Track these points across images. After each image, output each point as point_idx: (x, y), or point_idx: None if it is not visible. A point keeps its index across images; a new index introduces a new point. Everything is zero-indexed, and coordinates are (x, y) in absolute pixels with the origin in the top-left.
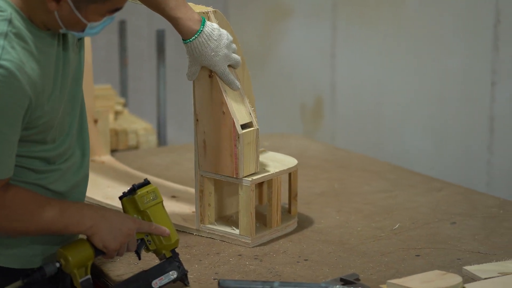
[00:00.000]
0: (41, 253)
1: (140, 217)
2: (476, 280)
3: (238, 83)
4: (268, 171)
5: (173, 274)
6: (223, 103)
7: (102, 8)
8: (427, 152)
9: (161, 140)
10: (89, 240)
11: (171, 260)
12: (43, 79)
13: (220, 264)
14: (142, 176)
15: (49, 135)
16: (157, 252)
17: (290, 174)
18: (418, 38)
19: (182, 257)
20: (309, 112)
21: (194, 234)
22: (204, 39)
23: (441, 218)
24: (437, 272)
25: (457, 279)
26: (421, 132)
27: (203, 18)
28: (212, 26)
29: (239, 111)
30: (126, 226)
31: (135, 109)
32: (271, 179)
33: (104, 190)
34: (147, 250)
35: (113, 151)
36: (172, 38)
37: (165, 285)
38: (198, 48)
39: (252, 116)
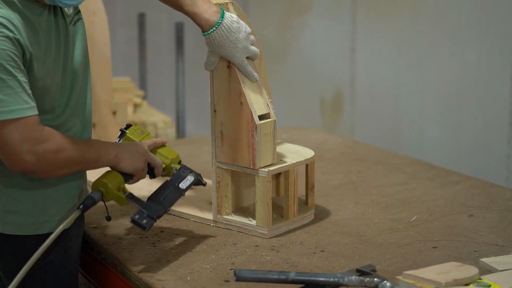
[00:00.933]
0: (52, 218)
1: None
2: (492, 272)
3: (256, 75)
4: (285, 162)
5: (190, 178)
6: (241, 94)
7: None
8: (446, 146)
9: (180, 132)
10: (118, 171)
11: (182, 169)
12: (33, 42)
13: (236, 255)
14: None
15: (47, 103)
16: (168, 171)
17: (307, 166)
18: (437, 31)
19: (199, 248)
20: (328, 106)
21: (211, 225)
22: (223, 31)
23: (458, 211)
24: (453, 263)
25: (473, 270)
26: (440, 127)
27: (222, 10)
28: (231, 18)
29: (257, 102)
30: (140, 147)
31: (154, 102)
32: (288, 170)
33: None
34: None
35: None
36: (191, 31)
37: (189, 187)
38: (217, 39)
39: (270, 107)
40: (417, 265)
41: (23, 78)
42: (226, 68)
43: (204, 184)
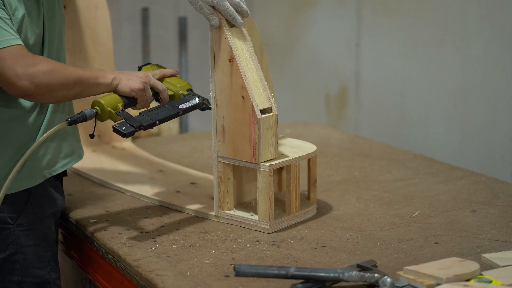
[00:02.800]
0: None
1: None
2: (494, 268)
3: (239, 19)
4: (287, 157)
5: (194, 100)
6: (243, 88)
7: None
8: (451, 142)
9: (183, 127)
10: (118, 94)
11: (190, 95)
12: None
13: (237, 250)
14: (161, 162)
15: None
16: (176, 97)
17: (309, 160)
18: (442, 27)
19: (199, 243)
20: (333, 102)
21: (213, 220)
22: None
23: (461, 206)
24: (454, 259)
25: (474, 266)
26: (445, 123)
27: None
28: None
29: (259, 96)
30: (140, 73)
31: None
32: (290, 165)
33: (124, 177)
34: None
35: (135, 138)
36: (195, 25)
37: (190, 108)
38: None
39: (272, 101)
40: (418, 261)
41: (5, 16)
42: (228, 62)
43: (210, 108)
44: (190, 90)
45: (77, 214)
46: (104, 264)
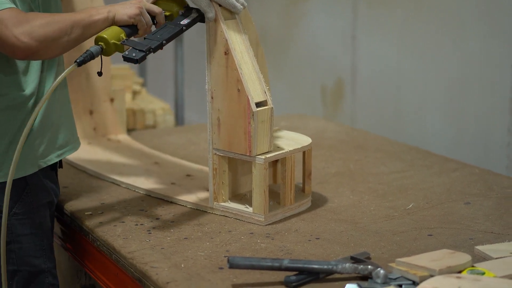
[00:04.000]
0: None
1: None
2: (487, 260)
3: (239, 5)
4: (282, 149)
5: (194, 14)
6: (238, 81)
7: None
8: (447, 135)
9: (179, 120)
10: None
11: (187, 10)
12: None
13: (231, 242)
14: (156, 154)
15: None
16: (174, 16)
17: (304, 153)
18: (439, 20)
19: (194, 235)
20: (329, 94)
21: (208, 212)
22: None
23: (455, 198)
24: (445, 251)
25: (466, 257)
26: (441, 115)
27: None
28: None
29: (254, 89)
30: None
31: (153, 89)
32: (285, 158)
33: (119, 169)
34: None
35: (130, 131)
36: None
37: (192, 22)
38: None
39: (267, 94)
40: (412, 253)
41: None
42: (224, 55)
43: (204, 20)
44: (186, 6)
45: (72, 206)
46: (99, 256)
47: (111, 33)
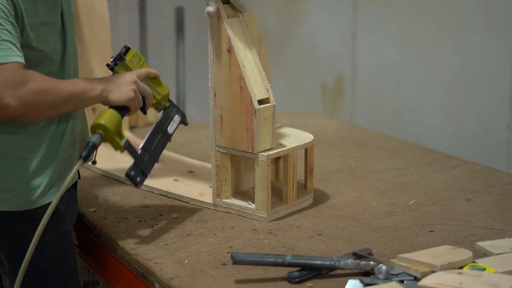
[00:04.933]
0: (39, 196)
1: None
2: (488, 256)
3: (246, 5)
4: (284, 146)
5: (177, 119)
6: (241, 78)
7: None
8: (447, 132)
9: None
10: (112, 107)
11: (171, 108)
12: (23, 1)
13: (234, 238)
14: None
15: (42, 60)
16: (157, 105)
17: (306, 150)
18: (438, 18)
19: (197, 231)
20: (329, 92)
21: (211, 208)
22: None
23: (456, 195)
24: (446, 247)
25: (467, 253)
26: (440, 112)
27: None
28: None
29: (257, 87)
30: (128, 77)
31: None
32: (287, 155)
33: (122, 165)
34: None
35: (132, 128)
36: (192, 16)
37: (175, 129)
38: None
39: (269, 92)
40: (413, 249)
41: (12, 30)
42: (227, 53)
43: (186, 124)
44: (172, 102)
45: None
46: (103, 252)
47: (111, 122)
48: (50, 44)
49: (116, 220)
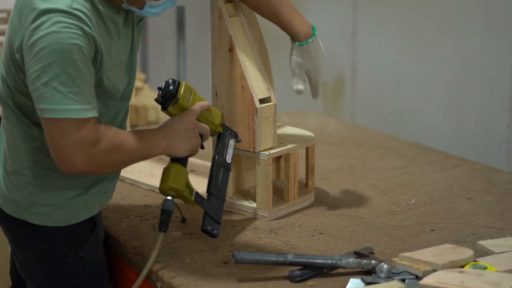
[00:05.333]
0: (80, 209)
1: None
2: (489, 255)
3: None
4: (285, 145)
5: (232, 143)
6: (242, 77)
7: None
8: (447, 131)
9: None
10: (172, 159)
11: (225, 133)
12: (104, 40)
13: (235, 237)
14: None
15: (109, 98)
16: (212, 134)
17: (307, 149)
18: (439, 17)
19: (198, 230)
20: (329, 91)
21: None
22: (316, 44)
23: (456, 194)
24: (448, 245)
25: (468, 252)
26: (440, 112)
27: (313, 26)
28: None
29: (258, 86)
30: (187, 122)
31: (155, 85)
32: (288, 153)
33: None
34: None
35: (133, 127)
36: (192, 15)
37: (232, 154)
38: (312, 51)
39: (271, 91)
40: (414, 248)
41: (91, 77)
42: (228, 52)
43: (239, 141)
44: (223, 124)
45: None
46: (104, 251)
47: (180, 181)
48: (117, 84)
49: (117, 219)
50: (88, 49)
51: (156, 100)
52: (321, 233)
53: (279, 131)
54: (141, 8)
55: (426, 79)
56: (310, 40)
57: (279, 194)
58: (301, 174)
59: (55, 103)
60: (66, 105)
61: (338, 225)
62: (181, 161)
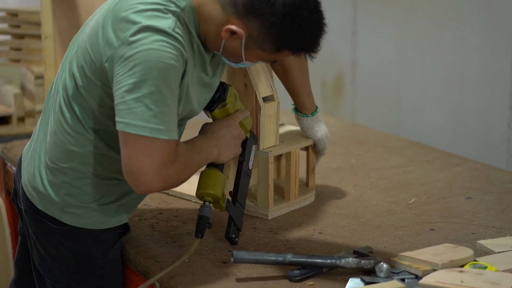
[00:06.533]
0: (112, 215)
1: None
2: (489, 254)
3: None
4: (286, 144)
5: (254, 149)
6: (245, 76)
7: (265, 56)
8: (447, 130)
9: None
10: (214, 165)
11: (251, 138)
12: (190, 71)
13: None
14: None
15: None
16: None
17: (308, 148)
18: (438, 15)
19: None
20: (329, 89)
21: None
22: (317, 116)
23: (456, 193)
24: (447, 245)
25: (468, 252)
26: (440, 110)
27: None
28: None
29: (261, 84)
30: (234, 129)
31: None
32: (289, 152)
33: None
34: None
35: None
36: None
37: (253, 160)
38: (311, 123)
39: (273, 89)
40: (414, 247)
41: (177, 100)
42: None
43: (257, 145)
44: (250, 130)
45: None
46: None
47: (219, 188)
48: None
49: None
50: (180, 73)
51: (208, 105)
52: (321, 233)
53: (280, 130)
54: (236, 62)
55: (426, 78)
56: (315, 112)
57: (279, 192)
58: (301, 173)
59: (144, 120)
60: (154, 124)
61: (337, 224)
62: (220, 166)
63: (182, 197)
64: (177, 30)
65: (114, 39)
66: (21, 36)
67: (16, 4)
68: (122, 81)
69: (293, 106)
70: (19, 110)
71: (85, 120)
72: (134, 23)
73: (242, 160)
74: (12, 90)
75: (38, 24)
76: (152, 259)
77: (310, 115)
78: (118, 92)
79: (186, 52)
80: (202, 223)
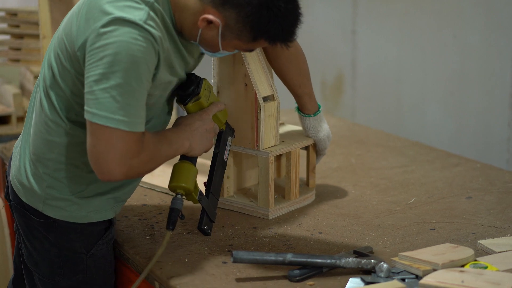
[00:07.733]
0: (95, 209)
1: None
2: (490, 254)
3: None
4: (287, 144)
5: (230, 140)
6: (245, 75)
7: (242, 46)
8: (447, 129)
9: (181, 114)
10: (187, 158)
11: (226, 130)
12: (161, 60)
13: (234, 237)
14: None
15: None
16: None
17: (308, 147)
18: (438, 14)
19: (197, 230)
20: (329, 89)
21: None
22: (320, 116)
23: (457, 193)
24: (448, 245)
25: (468, 251)
26: (441, 109)
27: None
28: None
29: (261, 84)
30: (207, 123)
31: None
32: (290, 152)
33: None
34: None
35: None
36: None
37: (229, 152)
38: (313, 123)
39: (274, 89)
40: (414, 247)
41: (147, 92)
42: None
43: (233, 137)
44: (226, 123)
45: None
46: None
47: (191, 181)
48: (155, 109)
49: (115, 218)
50: (152, 65)
51: (175, 93)
52: (321, 233)
53: (280, 129)
54: (213, 52)
55: (426, 77)
56: (317, 113)
57: (280, 192)
58: (302, 173)
59: (110, 111)
60: (120, 115)
61: (337, 224)
62: (193, 160)
63: (154, 189)
64: (149, 22)
65: (86, 27)
66: (20, 36)
67: (15, 4)
68: (91, 70)
69: (296, 106)
70: (18, 109)
71: (61, 110)
72: (107, 13)
73: (217, 152)
74: (11, 90)
75: (37, 24)
76: (152, 259)
77: (312, 115)
78: (87, 81)
79: (158, 44)
80: (173, 215)
